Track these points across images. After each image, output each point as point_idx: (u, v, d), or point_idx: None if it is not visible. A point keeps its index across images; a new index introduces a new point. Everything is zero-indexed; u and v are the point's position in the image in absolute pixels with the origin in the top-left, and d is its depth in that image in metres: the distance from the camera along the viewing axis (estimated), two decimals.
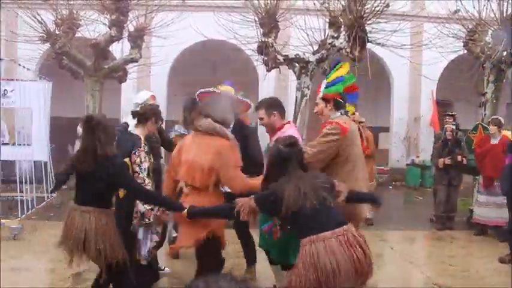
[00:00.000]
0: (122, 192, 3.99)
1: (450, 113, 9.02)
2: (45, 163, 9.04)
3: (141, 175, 3.95)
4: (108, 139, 3.59)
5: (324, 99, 3.96)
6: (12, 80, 8.66)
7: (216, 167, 3.53)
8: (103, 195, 3.61)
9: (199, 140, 3.68)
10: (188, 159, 3.63)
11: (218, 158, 3.54)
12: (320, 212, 3.06)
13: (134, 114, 4.33)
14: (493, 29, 9.12)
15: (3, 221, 6.93)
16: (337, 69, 4.06)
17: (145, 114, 4.29)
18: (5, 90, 8.34)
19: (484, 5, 9.07)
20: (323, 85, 4.04)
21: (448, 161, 7.96)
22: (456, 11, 10.23)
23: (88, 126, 3.64)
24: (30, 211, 7.98)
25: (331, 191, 3.23)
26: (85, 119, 3.72)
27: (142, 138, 4.12)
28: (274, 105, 4.31)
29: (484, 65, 9.20)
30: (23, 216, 7.57)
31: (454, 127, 8.16)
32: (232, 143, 3.68)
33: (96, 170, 3.55)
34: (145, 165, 4.01)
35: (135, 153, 3.99)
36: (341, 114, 3.92)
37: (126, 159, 3.96)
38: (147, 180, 3.98)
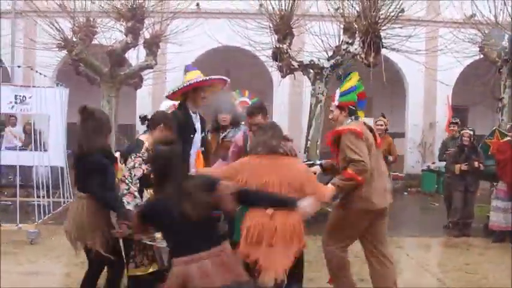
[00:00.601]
0: None
1: (453, 121, 8.95)
2: (62, 168, 9.15)
3: (127, 181, 3.83)
4: (95, 132, 3.69)
5: (339, 107, 4.29)
6: (29, 86, 8.79)
7: (304, 185, 3.72)
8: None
9: (273, 161, 3.80)
10: (273, 181, 3.67)
11: (302, 175, 3.83)
12: (198, 229, 2.80)
13: (142, 119, 4.29)
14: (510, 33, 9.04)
15: (20, 225, 7.04)
16: (349, 79, 4.40)
17: (153, 120, 4.16)
18: (23, 96, 8.48)
19: (501, 9, 9.01)
20: (337, 94, 4.35)
21: (464, 167, 7.86)
22: (472, 16, 10.17)
23: (80, 116, 3.78)
24: (46, 216, 8.08)
25: (215, 200, 2.90)
26: (79, 109, 3.81)
27: (145, 145, 3.97)
28: (265, 109, 4.58)
29: (501, 70, 9.13)
30: (40, 221, 7.67)
31: (471, 133, 8.06)
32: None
33: (80, 161, 3.73)
34: (137, 172, 3.86)
35: (131, 158, 3.93)
36: (351, 120, 4.23)
37: (122, 165, 4.06)
38: (132, 188, 3.81)
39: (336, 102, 4.31)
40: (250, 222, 3.53)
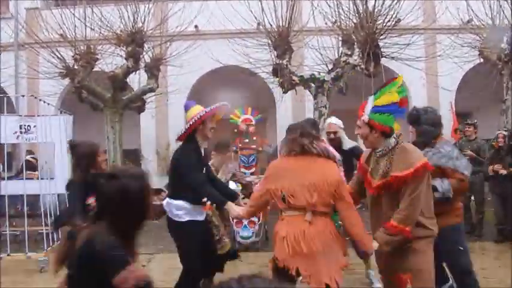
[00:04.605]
0: None
1: (470, 122, 8.68)
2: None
3: None
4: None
5: (369, 125, 3.36)
6: (33, 116, 8.84)
7: (337, 186, 3.34)
8: None
9: (304, 162, 3.39)
10: (302, 183, 3.31)
11: (337, 177, 3.40)
12: None
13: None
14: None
15: (29, 254, 7.02)
16: (390, 90, 3.34)
17: None
18: (27, 126, 8.52)
19: (497, 12, 9.04)
20: (369, 105, 3.37)
21: (501, 169, 7.34)
22: (469, 21, 10.20)
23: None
24: (55, 243, 8.05)
25: None
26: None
27: None
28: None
29: (502, 72, 9.11)
30: (49, 248, 7.64)
31: (505, 133, 7.67)
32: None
33: None
34: None
35: None
36: (395, 138, 3.36)
37: None
38: None
39: (365, 118, 3.34)
40: (287, 229, 3.31)
